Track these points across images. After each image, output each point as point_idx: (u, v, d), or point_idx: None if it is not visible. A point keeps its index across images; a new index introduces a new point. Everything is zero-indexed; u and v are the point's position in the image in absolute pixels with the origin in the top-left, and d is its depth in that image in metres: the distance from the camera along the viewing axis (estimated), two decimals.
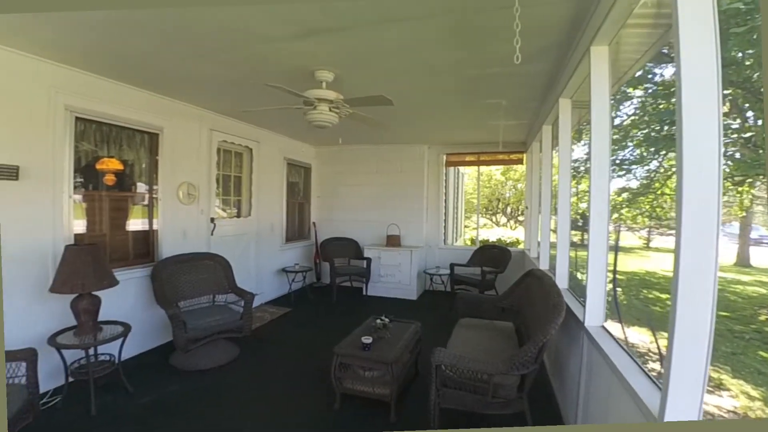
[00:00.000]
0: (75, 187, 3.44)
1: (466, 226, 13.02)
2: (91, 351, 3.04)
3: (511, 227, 18.30)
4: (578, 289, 3.44)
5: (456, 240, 9.13)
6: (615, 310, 2.51)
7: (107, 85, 3.60)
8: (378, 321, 3.30)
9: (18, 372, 2.44)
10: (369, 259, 6.57)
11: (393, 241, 6.79)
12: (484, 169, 8.08)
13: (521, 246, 8.56)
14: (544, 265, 4.38)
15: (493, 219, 19.07)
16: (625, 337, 2.23)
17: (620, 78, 3.16)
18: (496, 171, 17.31)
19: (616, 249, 3.21)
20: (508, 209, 18.83)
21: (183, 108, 4.48)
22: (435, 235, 7.20)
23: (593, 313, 2.39)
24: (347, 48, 2.78)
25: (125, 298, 3.78)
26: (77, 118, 3.42)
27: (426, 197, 7.10)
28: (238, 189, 5.81)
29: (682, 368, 1.31)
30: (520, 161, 6.99)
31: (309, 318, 5.48)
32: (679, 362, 1.31)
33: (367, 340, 2.96)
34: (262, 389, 3.32)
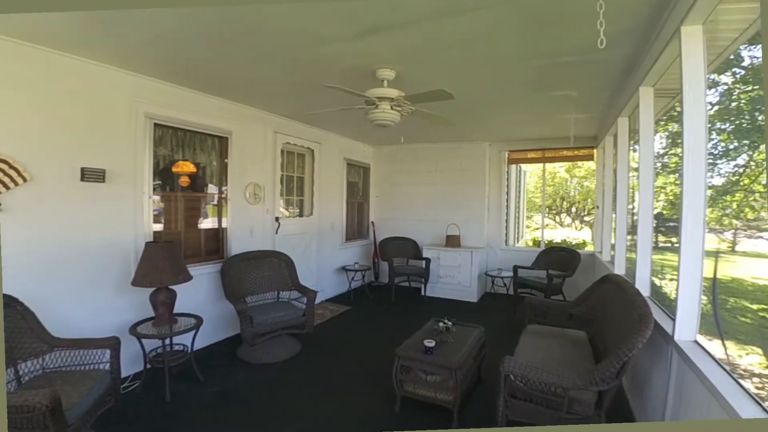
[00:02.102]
0: (153, 189, 3.69)
1: (527, 227, 12.47)
2: (167, 341, 3.23)
3: (576, 228, 17.29)
4: (655, 296, 3.14)
5: (517, 241, 8.75)
6: (715, 323, 2.23)
7: (181, 92, 3.83)
8: (441, 324, 3.20)
9: (103, 358, 2.64)
10: (428, 260, 6.47)
11: (452, 242, 6.64)
12: (548, 166, 7.64)
13: (588, 248, 8.03)
14: (619, 270, 4.05)
15: (557, 219, 18.13)
16: (727, 356, 1.97)
17: (711, 62, 2.83)
18: (559, 168, 16.41)
19: (717, 254, 2.86)
20: (573, 209, 17.80)
21: (249, 112, 4.66)
22: (496, 236, 6.94)
23: (685, 326, 2.13)
24: (409, 44, 2.71)
25: (197, 292, 3.99)
26: (155, 125, 3.66)
27: (487, 196, 6.87)
28: (301, 189, 5.97)
29: None
30: (589, 157, 6.54)
31: (368, 317, 5.50)
32: None
33: (429, 343, 2.87)
34: (322, 386, 3.36)
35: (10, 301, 2.50)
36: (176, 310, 3.37)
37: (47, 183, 2.88)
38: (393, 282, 6.27)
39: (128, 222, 3.44)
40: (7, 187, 2.65)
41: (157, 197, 3.78)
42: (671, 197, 4.37)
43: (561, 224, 18.12)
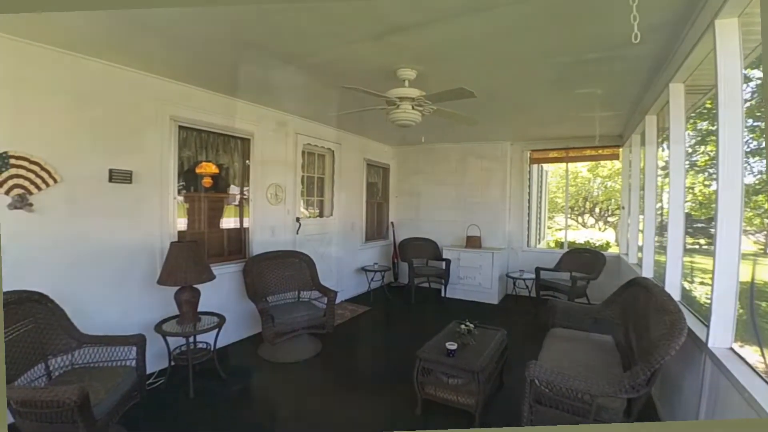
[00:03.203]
0: (178, 190, 3.75)
1: (549, 227, 12.24)
2: (191, 339, 3.28)
3: (599, 229, 16.89)
4: (685, 300, 3.02)
5: (539, 242, 8.59)
6: (753, 329, 2.13)
7: (204, 95, 3.88)
8: (462, 326, 3.15)
9: (129, 355, 2.70)
10: (448, 261, 6.41)
11: (473, 242, 6.56)
12: (570, 166, 7.46)
13: (612, 249, 7.82)
14: (647, 273, 3.91)
15: (579, 220, 17.74)
16: (766, 364, 1.87)
17: (746, 56, 2.71)
18: (582, 168, 16.06)
19: (755, 257, 2.75)
20: (597, 209, 17.39)
21: (271, 114, 4.71)
22: (518, 237, 6.82)
23: (719, 333, 2.04)
24: (431, 43, 2.68)
25: (220, 290, 4.04)
26: (180, 127, 3.73)
27: (508, 197, 6.76)
28: (321, 190, 5.99)
29: None
30: (614, 156, 6.36)
31: (388, 317, 5.48)
32: None
33: (451, 345, 2.84)
34: (342, 386, 3.36)
35: (41, 298, 2.57)
36: (200, 308, 3.42)
37: (77, 184, 2.96)
38: (413, 283, 6.24)
39: (154, 222, 3.51)
40: (39, 188, 2.74)
41: (181, 198, 3.85)
42: (700, 197, 4.21)
43: (584, 225, 17.74)
